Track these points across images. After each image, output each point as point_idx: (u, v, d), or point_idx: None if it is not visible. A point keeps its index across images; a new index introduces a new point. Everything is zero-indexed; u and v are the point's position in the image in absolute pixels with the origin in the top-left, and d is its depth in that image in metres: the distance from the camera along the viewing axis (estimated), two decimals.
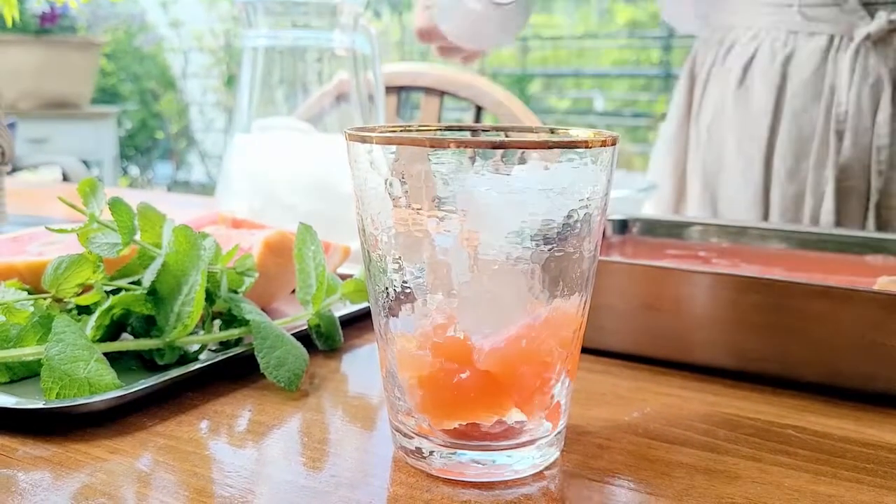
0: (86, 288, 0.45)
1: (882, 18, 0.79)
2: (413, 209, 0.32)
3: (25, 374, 0.42)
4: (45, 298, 0.44)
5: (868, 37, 0.80)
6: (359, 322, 0.57)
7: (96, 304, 0.44)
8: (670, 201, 0.95)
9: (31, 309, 0.44)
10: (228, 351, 0.46)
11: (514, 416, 0.34)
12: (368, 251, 0.35)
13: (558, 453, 0.37)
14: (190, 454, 0.36)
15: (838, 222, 0.83)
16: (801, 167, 0.84)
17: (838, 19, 0.81)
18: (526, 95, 4.37)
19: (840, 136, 0.81)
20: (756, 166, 0.86)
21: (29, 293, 0.45)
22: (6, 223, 0.82)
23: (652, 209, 0.96)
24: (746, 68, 0.86)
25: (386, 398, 0.37)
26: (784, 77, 0.84)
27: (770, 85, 0.84)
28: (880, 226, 0.83)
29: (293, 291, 0.58)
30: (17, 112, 2.96)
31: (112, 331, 0.45)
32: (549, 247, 0.32)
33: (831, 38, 0.81)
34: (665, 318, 0.49)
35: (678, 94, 0.96)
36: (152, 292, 0.44)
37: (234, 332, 0.46)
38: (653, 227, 0.66)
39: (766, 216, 0.87)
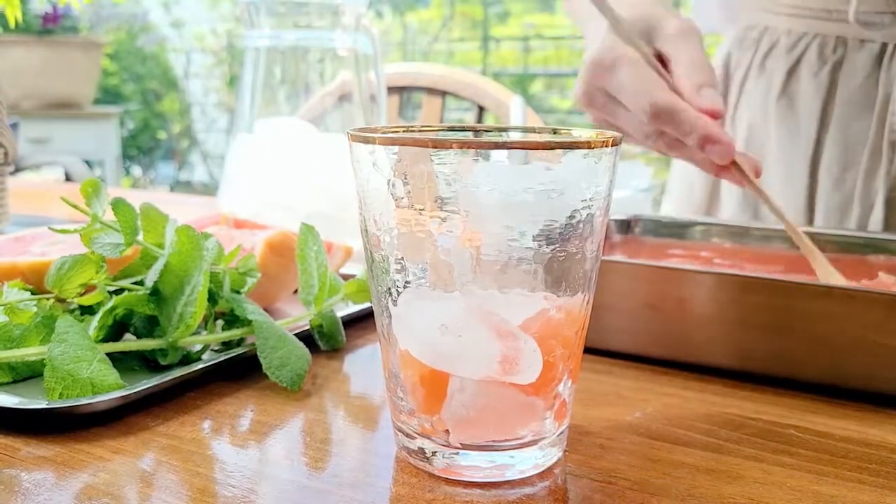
0: (89, 288, 0.45)
1: None
2: (415, 209, 0.32)
3: (28, 374, 0.43)
4: (48, 299, 0.44)
5: None
6: (361, 322, 0.57)
7: (99, 304, 0.44)
8: (702, 203, 0.92)
9: (35, 309, 0.44)
10: (231, 351, 0.46)
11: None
12: (371, 251, 0.35)
13: (561, 453, 0.37)
14: (192, 454, 0.36)
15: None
16: (847, 177, 0.82)
17: (893, 27, 0.79)
18: (528, 95, 4.37)
19: (894, 146, 0.79)
20: (801, 174, 0.84)
21: (32, 293, 0.45)
22: (9, 223, 0.82)
23: (680, 211, 0.94)
24: (791, 73, 0.84)
25: (388, 398, 0.37)
26: (833, 84, 0.82)
27: (818, 92, 0.82)
28: None
29: (295, 292, 0.58)
30: (19, 112, 2.97)
31: (115, 331, 0.45)
32: (552, 247, 0.32)
33: (884, 46, 0.79)
34: (667, 319, 0.49)
35: None
36: (155, 292, 0.44)
37: (236, 333, 0.46)
38: (655, 228, 0.66)
39: (810, 223, 0.85)
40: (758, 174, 0.57)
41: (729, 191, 0.90)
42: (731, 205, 0.89)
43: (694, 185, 0.93)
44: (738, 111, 0.90)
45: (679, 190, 0.95)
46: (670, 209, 0.96)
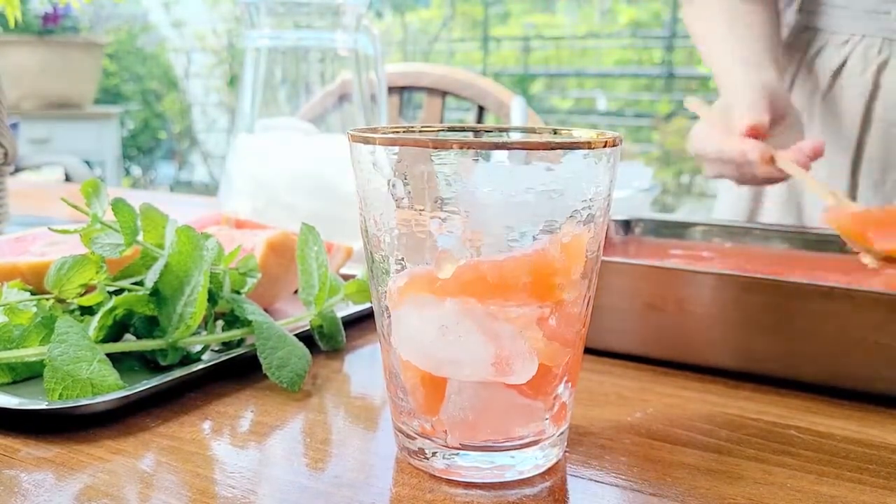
0: (89, 288, 0.45)
1: None
2: (416, 210, 0.32)
3: (28, 374, 0.43)
4: (47, 299, 0.44)
5: None
6: (361, 322, 0.57)
7: (99, 304, 0.44)
8: (746, 205, 0.92)
9: (34, 310, 0.44)
10: (231, 351, 0.46)
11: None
12: (371, 252, 0.35)
13: (561, 454, 0.37)
14: (192, 455, 0.36)
15: None
16: (887, 178, 0.81)
17: None
18: (528, 95, 4.37)
19: None
20: (842, 174, 0.83)
21: (32, 294, 0.45)
22: (9, 224, 0.82)
23: (723, 212, 0.94)
24: (836, 75, 0.83)
25: (388, 399, 0.37)
26: (876, 86, 0.81)
27: (861, 93, 0.82)
28: None
29: (295, 292, 0.58)
30: (19, 112, 2.97)
31: (115, 331, 0.45)
32: None
33: None
34: (668, 319, 0.48)
35: None
36: (155, 293, 0.44)
37: (236, 333, 0.46)
38: (655, 228, 0.66)
39: None
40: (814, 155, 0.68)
41: (776, 196, 0.89)
42: (774, 211, 0.89)
43: (742, 191, 0.92)
44: None
45: (727, 195, 0.95)
46: (719, 213, 0.96)
